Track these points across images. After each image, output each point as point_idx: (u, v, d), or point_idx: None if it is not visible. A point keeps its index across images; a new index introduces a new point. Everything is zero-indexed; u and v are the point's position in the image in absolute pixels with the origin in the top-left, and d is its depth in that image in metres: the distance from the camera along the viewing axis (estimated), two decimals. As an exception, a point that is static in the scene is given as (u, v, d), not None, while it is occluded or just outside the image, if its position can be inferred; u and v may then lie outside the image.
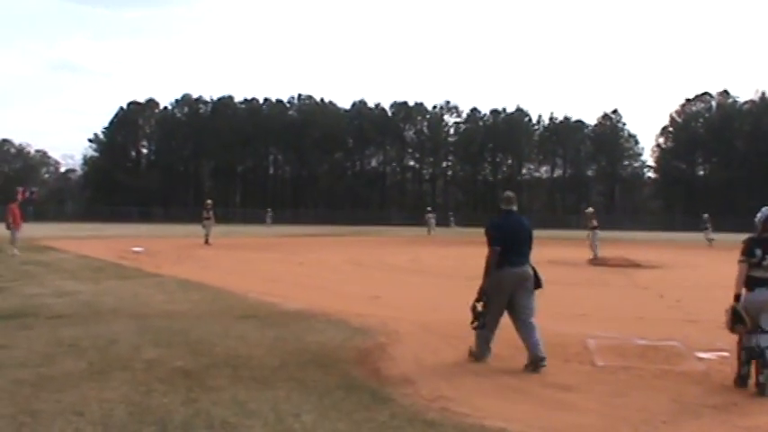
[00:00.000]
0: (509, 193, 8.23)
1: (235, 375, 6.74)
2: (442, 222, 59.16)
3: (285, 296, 12.92)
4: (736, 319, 7.13)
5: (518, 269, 7.80)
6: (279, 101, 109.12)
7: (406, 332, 9.39)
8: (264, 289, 14.19)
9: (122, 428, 5.10)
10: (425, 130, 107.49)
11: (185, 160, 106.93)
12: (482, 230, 8.16)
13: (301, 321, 10.07)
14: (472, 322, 7.82)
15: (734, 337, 7.29)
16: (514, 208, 8.10)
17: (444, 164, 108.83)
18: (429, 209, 53.67)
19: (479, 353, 7.93)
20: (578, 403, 6.39)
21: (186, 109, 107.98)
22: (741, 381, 7.10)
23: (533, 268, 7.93)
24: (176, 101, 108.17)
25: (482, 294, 7.78)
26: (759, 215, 7.47)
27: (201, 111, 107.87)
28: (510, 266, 7.74)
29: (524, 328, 7.73)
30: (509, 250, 7.75)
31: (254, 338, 8.69)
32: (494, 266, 7.71)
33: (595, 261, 24.89)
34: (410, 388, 6.54)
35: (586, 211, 29.07)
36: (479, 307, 7.77)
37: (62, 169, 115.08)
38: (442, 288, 16.33)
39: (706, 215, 40.27)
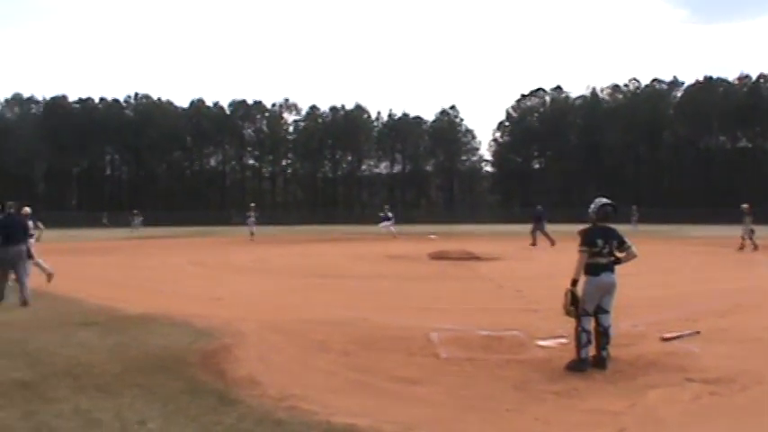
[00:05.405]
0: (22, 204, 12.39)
1: (76, 385, 6.57)
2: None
3: (127, 300, 12.56)
4: (571, 301, 7.60)
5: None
6: (115, 100, 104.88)
7: (251, 332, 9.30)
8: (106, 294, 13.73)
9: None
10: (264, 127, 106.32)
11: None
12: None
13: (144, 325, 9.84)
14: None
15: (572, 324, 7.74)
16: (12, 211, 12.96)
17: (284, 162, 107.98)
18: (252, 204, 49.61)
19: None
20: (425, 396, 6.62)
21: (17, 109, 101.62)
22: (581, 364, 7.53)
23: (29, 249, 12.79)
24: (6, 100, 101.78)
25: None
26: (592, 206, 7.95)
27: (33, 111, 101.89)
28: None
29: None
30: (8, 237, 12.20)
31: (95, 345, 8.46)
32: None
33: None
34: (257, 389, 6.54)
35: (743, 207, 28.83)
36: None
37: None
38: (286, 287, 16.21)
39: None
